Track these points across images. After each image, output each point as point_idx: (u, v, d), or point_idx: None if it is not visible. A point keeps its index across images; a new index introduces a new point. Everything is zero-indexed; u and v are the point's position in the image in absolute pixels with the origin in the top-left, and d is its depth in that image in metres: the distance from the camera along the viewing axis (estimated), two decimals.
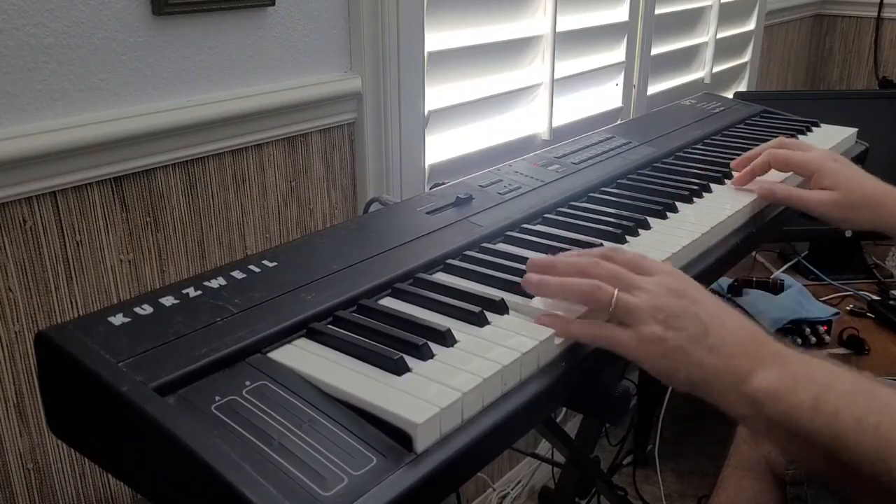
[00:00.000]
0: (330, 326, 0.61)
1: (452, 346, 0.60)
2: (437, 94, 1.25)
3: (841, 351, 1.58)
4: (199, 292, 0.61)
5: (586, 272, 0.66)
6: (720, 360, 0.61)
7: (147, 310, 0.58)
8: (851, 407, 0.59)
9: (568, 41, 1.48)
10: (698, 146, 1.18)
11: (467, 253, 0.76)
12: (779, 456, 1.08)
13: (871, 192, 0.93)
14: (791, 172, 1.02)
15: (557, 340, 0.63)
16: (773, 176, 1.02)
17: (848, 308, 1.73)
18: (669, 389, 1.79)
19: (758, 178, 1.00)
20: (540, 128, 1.46)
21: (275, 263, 0.67)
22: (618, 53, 1.67)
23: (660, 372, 0.63)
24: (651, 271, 0.66)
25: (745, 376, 0.61)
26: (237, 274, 0.65)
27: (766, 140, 1.10)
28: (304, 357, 0.57)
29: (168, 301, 0.60)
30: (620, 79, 1.69)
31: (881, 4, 2.67)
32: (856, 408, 0.59)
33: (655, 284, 0.64)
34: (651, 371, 0.63)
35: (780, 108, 1.43)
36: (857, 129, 1.31)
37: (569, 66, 1.52)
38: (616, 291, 0.64)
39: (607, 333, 0.63)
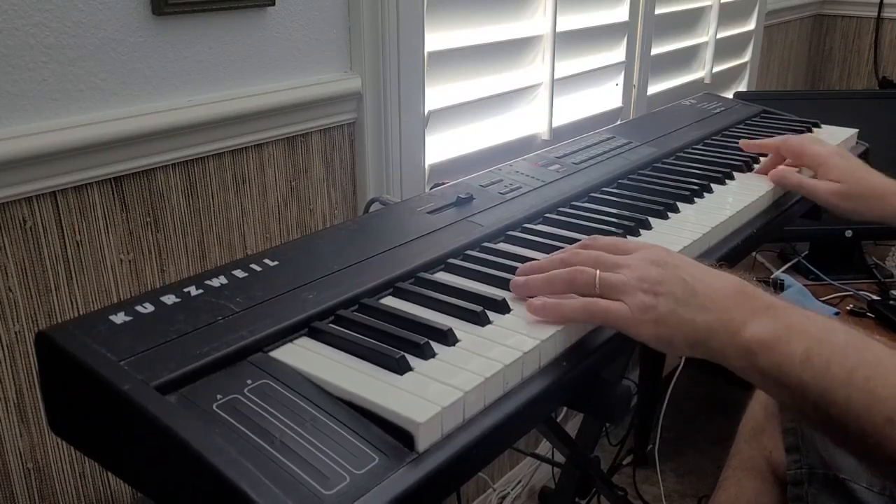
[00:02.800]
0: (332, 325, 0.61)
1: (454, 345, 0.60)
2: (437, 94, 1.25)
3: None
4: (200, 291, 0.61)
5: (568, 262, 0.68)
6: (712, 315, 0.62)
7: (148, 308, 0.58)
8: (842, 360, 0.59)
9: (568, 41, 1.48)
10: (699, 146, 1.18)
11: (468, 252, 0.76)
12: (779, 456, 1.08)
13: (874, 186, 0.99)
14: (798, 165, 1.06)
15: (552, 330, 0.62)
16: None
17: (848, 308, 1.73)
18: (669, 389, 1.79)
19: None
20: (540, 128, 1.46)
21: (276, 262, 0.67)
22: (618, 53, 1.67)
23: (659, 340, 0.63)
24: (630, 249, 0.68)
25: (739, 328, 0.61)
26: (239, 273, 0.65)
27: None
28: (305, 356, 0.57)
29: (169, 300, 0.59)
30: (620, 79, 1.69)
31: (881, 4, 2.67)
32: (846, 361, 0.59)
33: (636, 259, 0.66)
34: (650, 342, 0.63)
35: (780, 108, 1.43)
36: (857, 130, 1.31)
37: (569, 66, 1.52)
38: (598, 272, 0.65)
39: (601, 308, 0.64)
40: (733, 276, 0.66)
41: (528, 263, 0.71)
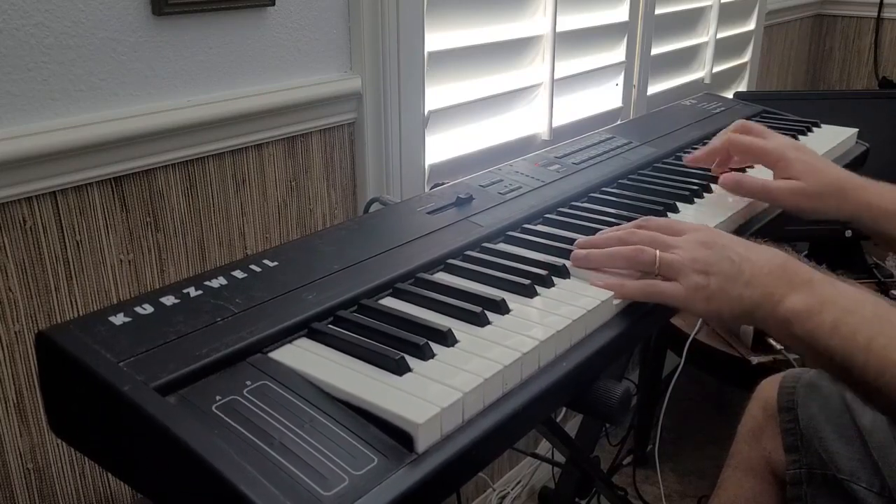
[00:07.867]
0: (331, 326, 0.61)
1: (453, 345, 0.60)
2: (437, 94, 1.25)
3: None
4: (199, 292, 0.61)
5: (626, 241, 0.74)
6: (757, 290, 0.69)
7: (148, 309, 0.58)
8: (866, 329, 0.66)
9: (568, 41, 1.48)
10: (699, 146, 1.18)
11: (468, 253, 0.76)
12: (779, 456, 1.08)
13: (834, 180, 0.92)
14: (749, 163, 1.01)
15: (552, 330, 0.62)
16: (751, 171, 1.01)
17: None
18: (669, 389, 1.79)
19: (726, 170, 0.99)
20: (540, 128, 1.46)
21: (276, 263, 0.67)
22: (618, 53, 1.67)
23: (709, 314, 0.72)
24: (682, 231, 0.75)
25: (779, 301, 0.69)
26: (238, 273, 0.65)
27: None
28: (305, 357, 0.57)
29: (169, 301, 0.59)
30: (620, 79, 1.69)
31: (881, 4, 2.67)
32: (870, 330, 0.66)
33: (688, 241, 0.73)
34: (701, 315, 0.72)
35: (780, 108, 1.42)
36: (857, 130, 1.30)
37: (569, 66, 1.52)
38: (657, 252, 0.72)
39: (659, 289, 0.71)
40: (777, 251, 0.72)
41: (586, 238, 0.77)
